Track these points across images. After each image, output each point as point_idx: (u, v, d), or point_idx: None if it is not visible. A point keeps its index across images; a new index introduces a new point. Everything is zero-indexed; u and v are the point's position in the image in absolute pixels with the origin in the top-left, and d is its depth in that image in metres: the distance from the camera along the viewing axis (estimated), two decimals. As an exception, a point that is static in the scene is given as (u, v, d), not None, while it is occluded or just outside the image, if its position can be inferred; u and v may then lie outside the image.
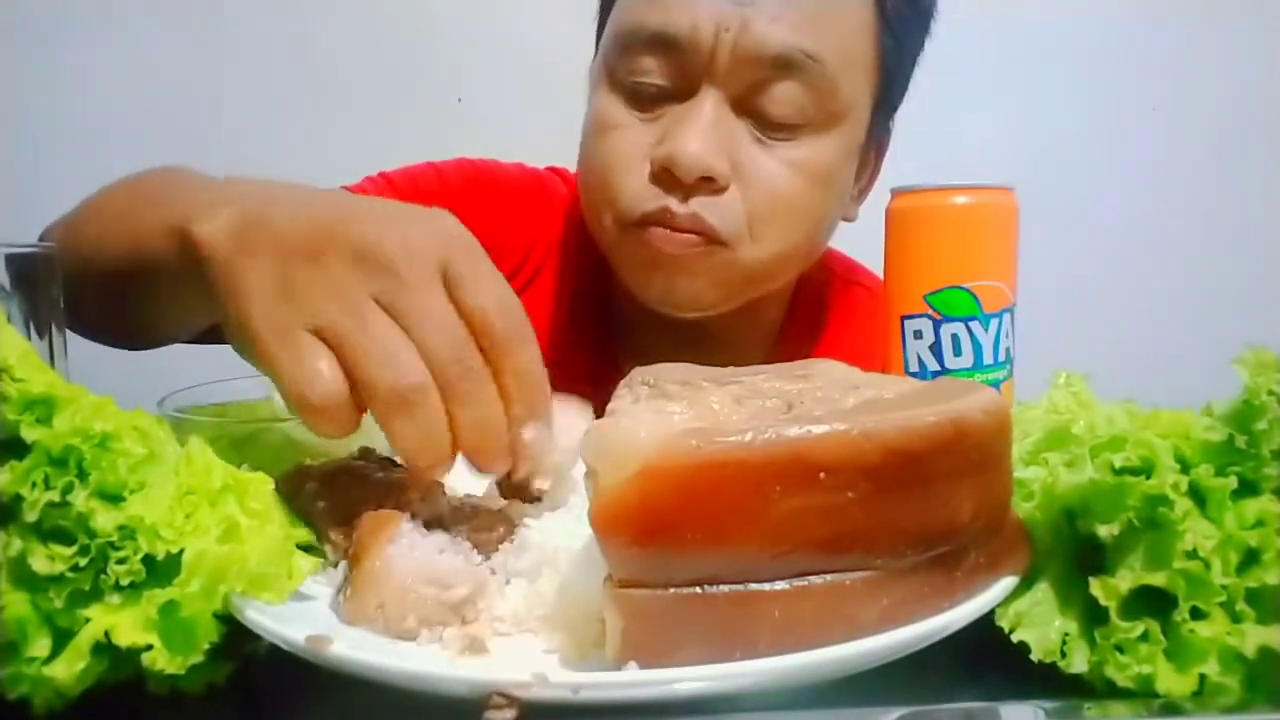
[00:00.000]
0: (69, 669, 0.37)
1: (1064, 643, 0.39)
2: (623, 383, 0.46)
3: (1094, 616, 0.39)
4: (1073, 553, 0.42)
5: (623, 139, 0.78)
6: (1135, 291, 1.66)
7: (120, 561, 0.38)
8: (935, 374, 0.60)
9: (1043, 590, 0.41)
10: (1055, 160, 1.57)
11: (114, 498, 0.39)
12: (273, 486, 0.45)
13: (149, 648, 0.37)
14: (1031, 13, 1.60)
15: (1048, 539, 0.42)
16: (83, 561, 0.37)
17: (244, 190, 0.51)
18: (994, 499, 0.41)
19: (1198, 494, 0.38)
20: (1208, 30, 1.62)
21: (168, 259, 0.52)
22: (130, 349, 0.75)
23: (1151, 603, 0.38)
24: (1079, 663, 0.39)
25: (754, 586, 0.37)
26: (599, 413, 0.46)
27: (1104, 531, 0.39)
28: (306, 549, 0.45)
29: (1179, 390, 0.47)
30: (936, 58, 0.86)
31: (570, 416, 0.52)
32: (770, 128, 0.76)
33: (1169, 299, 1.66)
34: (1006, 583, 0.40)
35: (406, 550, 0.44)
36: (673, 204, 0.75)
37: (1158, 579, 0.38)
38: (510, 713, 0.33)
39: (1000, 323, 0.60)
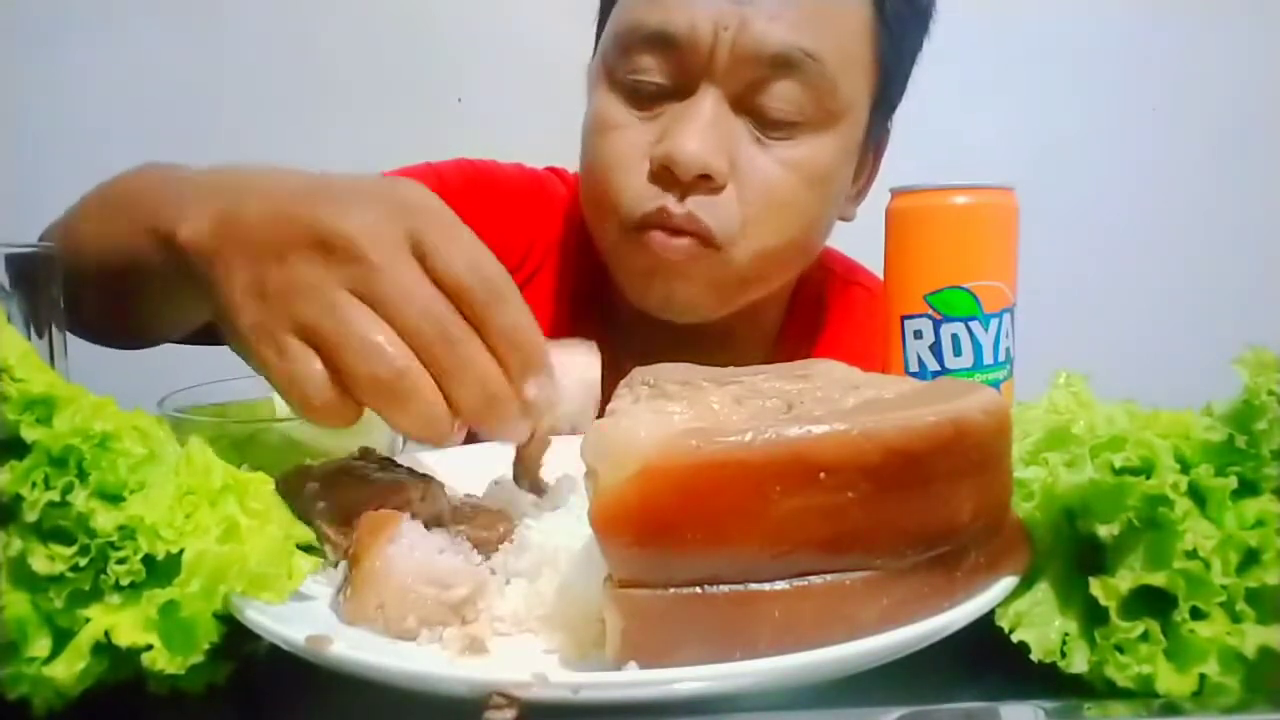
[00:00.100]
0: (69, 669, 0.37)
1: (1064, 643, 0.39)
2: (623, 383, 0.46)
3: (1094, 616, 0.39)
4: (1073, 553, 0.42)
5: (622, 138, 0.78)
6: (1135, 291, 1.66)
7: (120, 561, 0.38)
8: (935, 374, 0.60)
9: (1043, 590, 0.41)
10: (1055, 160, 1.57)
11: (114, 498, 0.39)
12: (273, 486, 0.45)
13: (149, 648, 0.37)
14: (1031, 13, 1.60)
15: (1048, 539, 0.42)
16: (83, 561, 0.37)
17: (219, 183, 0.52)
18: (994, 499, 0.41)
19: (1198, 494, 0.38)
20: (1208, 30, 1.62)
21: (156, 260, 0.53)
22: (130, 348, 0.76)
23: (1151, 603, 0.38)
24: (1079, 663, 0.39)
25: (754, 586, 0.37)
26: (598, 413, 0.46)
27: (1104, 531, 0.39)
28: (306, 549, 0.45)
29: (1179, 390, 0.47)
30: (936, 58, 0.86)
31: (578, 356, 0.51)
32: (769, 126, 0.77)
33: (1169, 299, 1.66)
34: (1006, 583, 0.40)
35: (406, 550, 0.44)
36: (670, 203, 0.75)
37: (1158, 579, 0.38)
38: (510, 713, 0.33)
39: (1000, 323, 0.60)
